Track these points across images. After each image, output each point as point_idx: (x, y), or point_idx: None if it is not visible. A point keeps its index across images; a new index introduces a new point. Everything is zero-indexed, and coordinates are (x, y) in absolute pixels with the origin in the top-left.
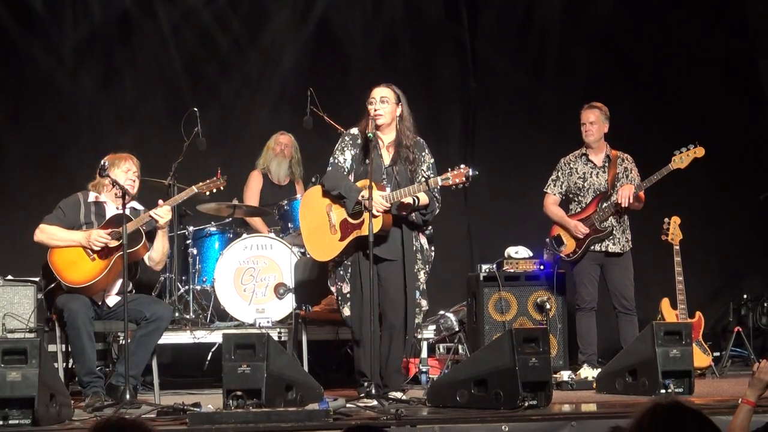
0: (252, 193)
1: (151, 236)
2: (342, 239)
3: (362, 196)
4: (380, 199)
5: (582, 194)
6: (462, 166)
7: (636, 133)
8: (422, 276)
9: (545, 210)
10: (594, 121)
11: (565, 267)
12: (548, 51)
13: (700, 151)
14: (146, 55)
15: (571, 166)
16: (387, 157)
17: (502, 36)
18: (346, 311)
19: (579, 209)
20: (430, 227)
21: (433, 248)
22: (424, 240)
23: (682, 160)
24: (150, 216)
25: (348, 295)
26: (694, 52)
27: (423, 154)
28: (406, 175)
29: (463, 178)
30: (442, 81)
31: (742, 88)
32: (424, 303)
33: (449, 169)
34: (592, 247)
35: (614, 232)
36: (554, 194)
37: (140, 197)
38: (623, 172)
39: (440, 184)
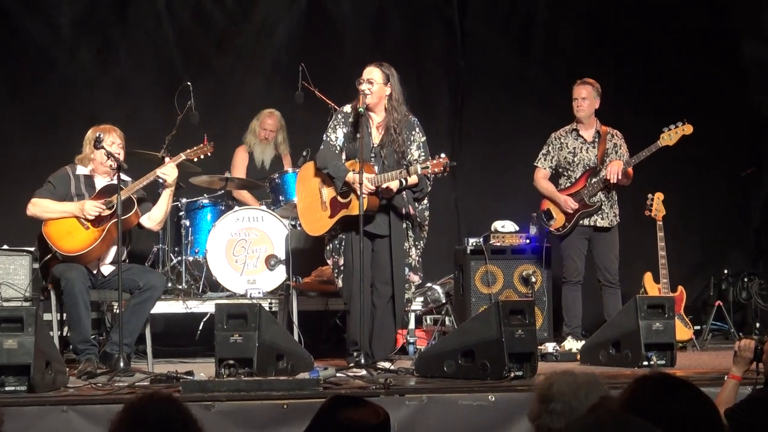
0: (239, 169)
1: (142, 203)
2: (331, 216)
3: (350, 178)
4: (365, 182)
5: (572, 169)
6: (442, 156)
7: (619, 110)
8: (414, 252)
9: (535, 184)
10: (585, 97)
11: (552, 241)
12: (535, 29)
13: (688, 129)
14: (141, 30)
15: (562, 140)
16: (377, 137)
17: (490, 14)
18: (339, 283)
19: (569, 184)
20: (425, 203)
21: (426, 225)
22: (416, 219)
23: (670, 137)
24: (157, 175)
25: (341, 268)
26: (678, 30)
27: (413, 133)
28: (393, 157)
29: (442, 168)
30: (432, 58)
31: (725, 67)
32: (416, 278)
33: (430, 158)
34: (581, 222)
35: (603, 207)
36: (544, 168)
37: (134, 169)
38: (612, 148)
39: (420, 172)
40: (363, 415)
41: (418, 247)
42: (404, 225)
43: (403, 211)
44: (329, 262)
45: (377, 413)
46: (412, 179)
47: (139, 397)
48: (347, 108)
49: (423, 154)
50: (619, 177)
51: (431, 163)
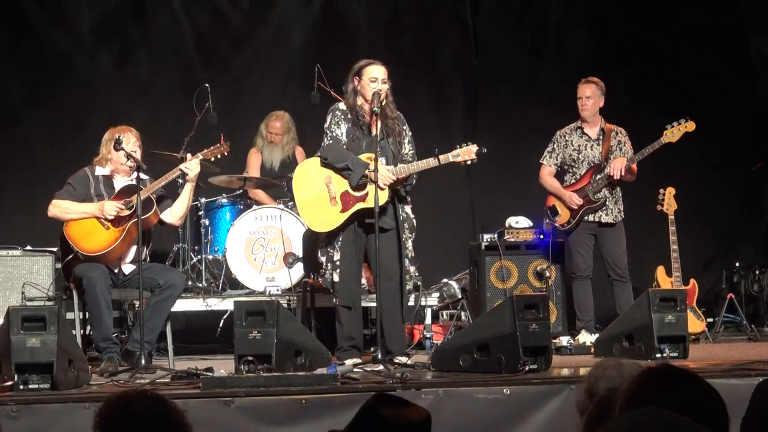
0: (252, 170)
1: (161, 202)
2: (344, 211)
3: (368, 170)
4: (387, 173)
5: (576, 166)
6: (469, 144)
7: (630, 107)
8: (410, 244)
9: (541, 180)
10: (590, 96)
11: (563, 236)
12: (547, 28)
13: (690, 126)
14: (159, 32)
15: (567, 138)
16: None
17: (502, 14)
18: (336, 277)
19: (573, 180)
20: (408, 197)
21: (413, 217)
22: (408, 209)
23: (673, 134)
24: (180, 170)
25: (338, 262)
26: (687, 27)
27: (405, 128)
28: (396, 148)
29: (473, 156)
30: (445, 58)
31: (735, 63)
32: (412, 269)
33: (458, 146)
34: (586, 218)
35: (607, 203)
36: (550, 165)
37: (153, 169)
38: (617, 145)
39: (450, 160)
40: (405, 413)
41: (412, 238)
42: (402, 218)
43: (401, 205)
44: (322, 258)
45: (419, 413)
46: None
47: (115, 396)
48: (342, 106)
49: (412, 149)
50: (622, 173)
51: (461, 150)
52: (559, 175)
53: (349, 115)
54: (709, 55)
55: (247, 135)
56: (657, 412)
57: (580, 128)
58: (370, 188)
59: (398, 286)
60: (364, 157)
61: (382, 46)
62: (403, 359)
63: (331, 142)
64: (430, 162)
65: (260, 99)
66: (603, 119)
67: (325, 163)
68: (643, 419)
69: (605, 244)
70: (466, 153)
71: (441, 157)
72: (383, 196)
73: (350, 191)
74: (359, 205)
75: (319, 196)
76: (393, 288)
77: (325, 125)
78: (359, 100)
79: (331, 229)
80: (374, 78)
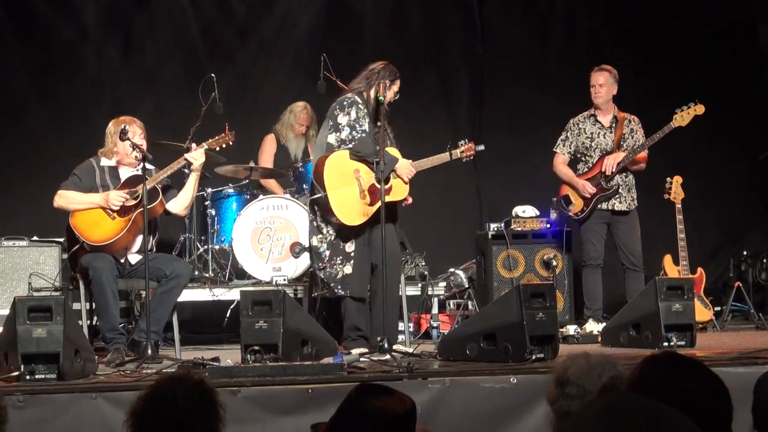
0: (266, 157)
1: (167, 192)
2: (372, 204)
3: (402, 164)
4: (409, 167)
5: (589, 154)
6: (468, 141)
7: (638, 95)
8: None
9: (554, 169)
10: (603, 83)
11: (572, 225)
12: (554, 16)
13: (700, 109)
14: (165, 22)
15: (580, 126)
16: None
17: (509, 2)
18: (348, 269)
19: (586, 169)
20: None
21: None
22: None
23: (683, 117)
24: (185, 159)
25: (352, 254)
26: (696, 16)
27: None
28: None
29: (473, 152)
30: (451, 47)
31: (743, 52)
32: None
33: (459, 143)
34: (599, 206)
35: (620, 190)
36: (563, 154)
37: (159, 160)
38: (629, 133)
39: (458, 156)
40: (389, 404)
41: None
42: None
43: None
44: (327, 252)
45: (404, 402)
46: None
47: (165, 378)
48: (359, 99)
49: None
50: (614, 169)
51: (466, 146)
52: (572, 163)
53: (366, 110)
54: (717, 43)
55: (254, 125)
56: (628, 396)
57: (594, 116)
58: (394, 182)
59: (399, 277)
60: (390, 150)
61: (388, 36)
62: (409, 348)
63: (364, 135)
64: (443, 157)
65: (266, 89)
66: (616, 107)
67: (358, 157)
68: (614, 403)
69: (619, 232)
70: (468, 150)
71: (453, 152)
72: (405, 190)
73: (376, 184)
74: (386, 198)
75: (351, 189)
76: (396, 277)
77: (351, 118)
78: (382, 88)
79: (361, 222)
80: (398, 92)
